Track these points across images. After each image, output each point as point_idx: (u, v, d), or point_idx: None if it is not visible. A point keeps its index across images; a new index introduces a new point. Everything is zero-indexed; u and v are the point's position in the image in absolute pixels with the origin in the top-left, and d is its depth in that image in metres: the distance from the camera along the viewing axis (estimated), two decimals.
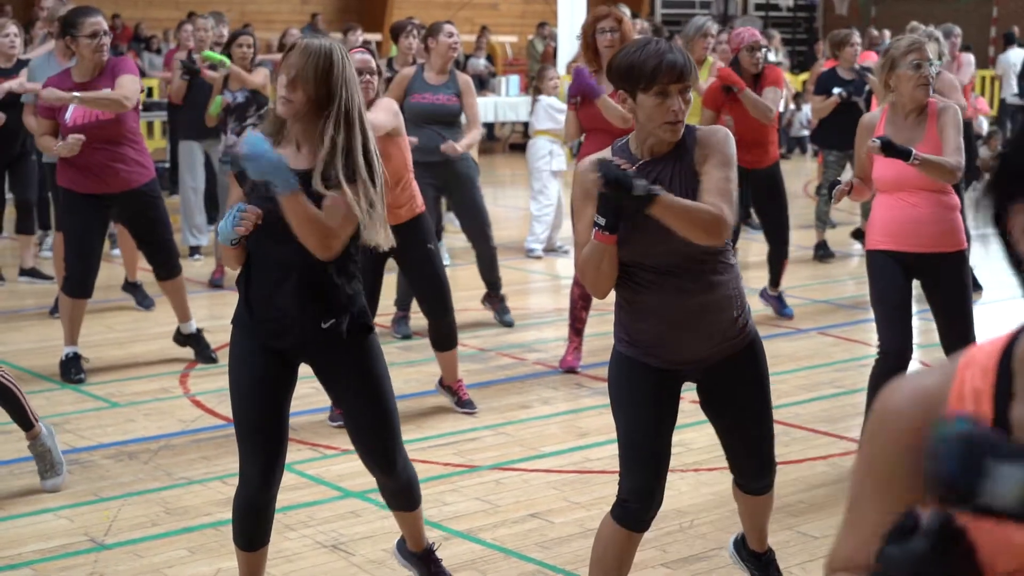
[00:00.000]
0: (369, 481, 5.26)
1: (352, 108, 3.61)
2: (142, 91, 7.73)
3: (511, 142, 20.02)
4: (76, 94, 6.52)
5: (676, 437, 3.79)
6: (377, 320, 5.94)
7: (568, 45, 15.19)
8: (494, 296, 8.25)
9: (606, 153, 3.61)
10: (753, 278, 9.39)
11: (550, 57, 19.62)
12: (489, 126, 18.46)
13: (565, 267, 10.41)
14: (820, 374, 7.17)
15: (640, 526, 3.69)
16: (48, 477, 5.24)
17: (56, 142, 6.63)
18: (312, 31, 18.23)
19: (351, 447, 5.71)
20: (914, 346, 5.32)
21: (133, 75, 6.72)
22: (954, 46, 10.32)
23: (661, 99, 3.45)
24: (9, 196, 9.52)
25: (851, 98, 9.77)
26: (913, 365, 5.43)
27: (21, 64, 8.86)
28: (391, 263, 6.15)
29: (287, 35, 12.39)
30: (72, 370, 6.90)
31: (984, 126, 14.60)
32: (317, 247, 3.57)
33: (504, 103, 17.76)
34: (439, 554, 4.34)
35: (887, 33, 17.60)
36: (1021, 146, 1.44)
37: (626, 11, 7.09)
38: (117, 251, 9.62)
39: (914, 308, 5.45)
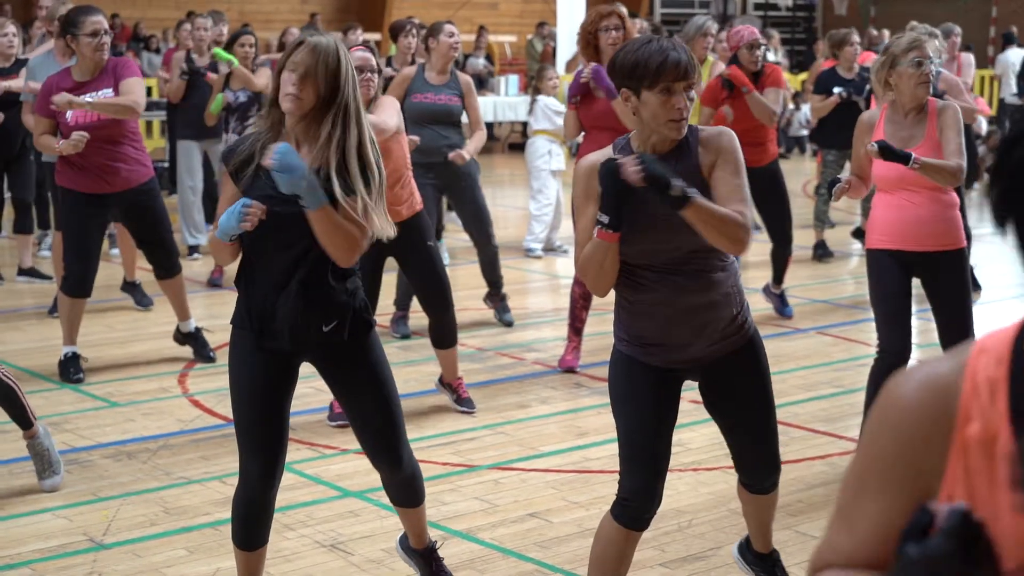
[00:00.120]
0: (368, 481, 5.27)
1: (353, 105, 3.63)
2: None
3: (510, 142, 20.02)
4: (90, 100, 6.52)
5: (674, 437, 3.79)
6: (376, 320, 5.94)
7: (567, 45, 15.21)
8: (495, 295, 8.26)
9: (608, 151, 3.61)
10: (752, 278, 9.39)
11: (549, 57, 19.64)
12: (488, 126, 18.45)
13: (564, 267, 10.41)
14: (819, 374, 7.17)
15: (640, 525, 3.69)
16: (46, 477, 5.24)
17: (56, 141, 6.63)
18: (311, 31, 18.20)
19: (349, 447, 5.72)
20: (913, 346, 5.33)
21: (138, 78, 6.73)
22: (954, 45, 10.32)
23: (666, 96, 3.45)
24: (7, 195, 9.52)
25: (851, 98, 9.77)
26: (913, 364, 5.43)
27: (20, 63, 8.86)
28: (390, 262, 6.15)
29: (286, 34, 12.37)
30: (71, 370, 6.90)
31: (983, 126, 14.60)
32: (343, 257, 3.61)
33: (503, 103, 17.77)
34: (440, 553, 4.34)
35: (886, 33, 17.60)
36: None
37: (623, 11, 7.07)
38: (116, 251, 9.62)
39: (913, 308, 5.45)
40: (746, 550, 4.29)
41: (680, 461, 5.44)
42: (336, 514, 5.00)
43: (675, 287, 3.55)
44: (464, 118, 7.78)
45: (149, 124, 15.34)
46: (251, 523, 3.85)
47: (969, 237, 8.57)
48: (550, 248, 10.93)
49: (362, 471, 5.42)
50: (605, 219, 3.42)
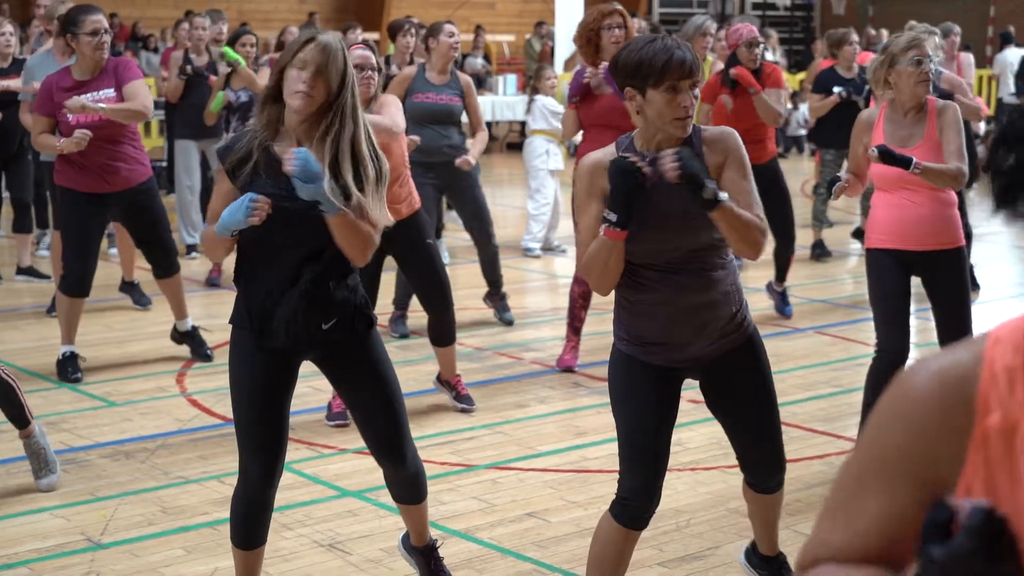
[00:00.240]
0: (366, 480, 5.27)
1: (351, 102, 3.63)
2: None
3: (508, 141, 20.02)
4: (103, 105, 6.52)
5: (673, 436, 3.79)
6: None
7: (565, 44, 15.21)
8: (495, 295, 8.27)
9: (611, 150, 3.60)
10: (753, 277, 9.39)
11: (547, 56, 19.64)
12: (486, 125, 18.44)
13: (562, 266, 10.41)
14: (817, 373, 7.17)
15: (639, 524, 3.69)
16: (43, 476, 5.23)
17: (56, 139, 6.62)
18: (311, 30, 18.17)
19: (348, 446, 5.72)
20: (912, 345, 5.33)
21: (142, 80, 6.75)
22: (953, 45, 10.31)
23: (672, 95, 3.45)
24: (5, 195, 9.51)
25: (851, 97, 9.76)
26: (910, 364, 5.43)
27: (18, 63, 8.85)
28: (389, 262, 6.14)
29: (285, 33, 12.36)
30: (69, 369, 6.89)
31: (981, 126, 14.59)
32: (360, 256, 3.65)
33: (501, 102, 17.76)
34: (440, 552, 4.34)
35: (884, 32, 17.60)
36: None
37: (624, 10, 7.07)
38: (114, 250, 9.61)
39: (912, 307, 5.45)
40: (752, 554, 4.27)
41: (678, 461, 5.44)
42: (334, 514, 4.99)
43: (676, 286, 3.55)
44: (464, 118, 7.78)
45: (147, 123, 15.31)
46: (250, 522, 3.85)
47: (970, 236, 8.53)
48: (548, 248, 10.93)
49: (360, 471, 5.42)
50: (613, 217, 3.41)
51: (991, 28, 24.65)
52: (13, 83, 8.58)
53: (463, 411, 6.36)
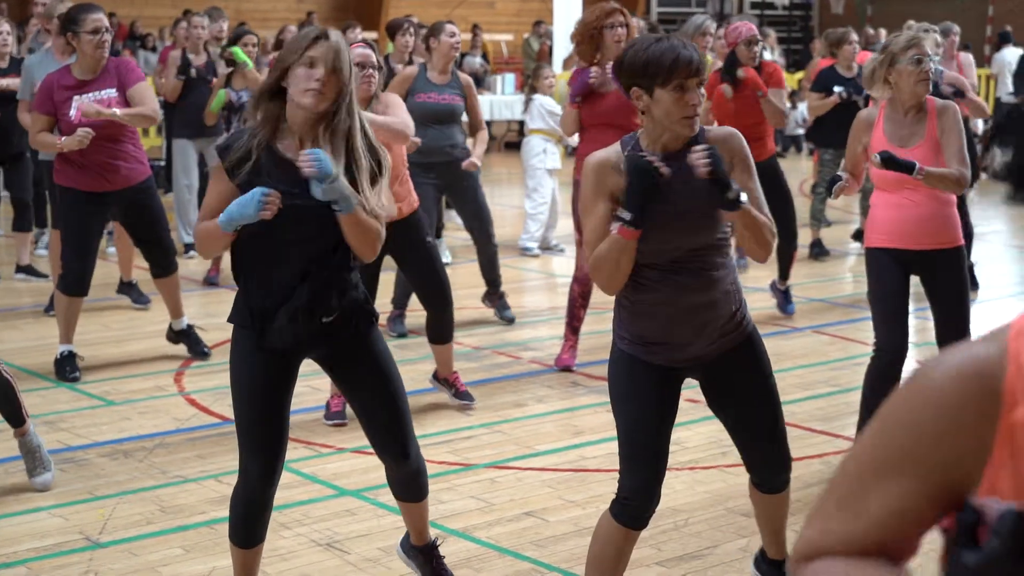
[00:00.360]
0: (364, 480, 5.27)
1: (349, 99, 3.64)
2: None
3: (506, 140, 20.02)
4: (116, 111, 6.52)
5: (671, 436, 3.78)
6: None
7: (564, 43, 15.20)
8: (494, 294, 8.27)
9: (616, 149, 3.60)
10: (754, 276, 9.39)
11: (546, 55, 19.63)
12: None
13: (560, 265, 10.41)
14: (816, 372, 7.17)
15: (639, 524, 3.69)
16: (38, 474, 5.23)
17: (56, 138, 6.61)
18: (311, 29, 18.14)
19: (346, 446, 5.72)
20: (910, 345, 5.33)
21: (146, 82, 6.76)
22: (953, 44, 10.30)
23: (679, 94, 3.45)
24: (4, 194, 9.50)
25: (851, 97, 9.75)
26: (909, 363, 5.43)
27: (15, 62, 8.84)
28: (388, 261, 6.14)
29: (284, 32, 12.35)
30: (67, 368, 6.89)
31: (979, 126, 14.60)
32: (370, 252, 3.69)
33: (499, 101, 17.76)
34: (440, 551, 4.33)
35: (883, 32, 17.60)
36: None
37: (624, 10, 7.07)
38: (112, 249, 9.60)
39: (911, 307, 5.45)
40: (761, 561, 4.25)
41: (677, 460, 5.43)
42: (332, 513, 4.99)
43: (677, 286, 3.55)
44: (464, 117, 7.78)
45: None
46: (250, 521, 3.84)
47: (971, 235, 8.52)
48: (546, 247, 10.93)
49: (359, 470, 5.42)
50: (628, 216, 3.41)
51: (989, 27, 24.65)
52: (11, 82, 8.57)
53: (463, 407, 6.36)
